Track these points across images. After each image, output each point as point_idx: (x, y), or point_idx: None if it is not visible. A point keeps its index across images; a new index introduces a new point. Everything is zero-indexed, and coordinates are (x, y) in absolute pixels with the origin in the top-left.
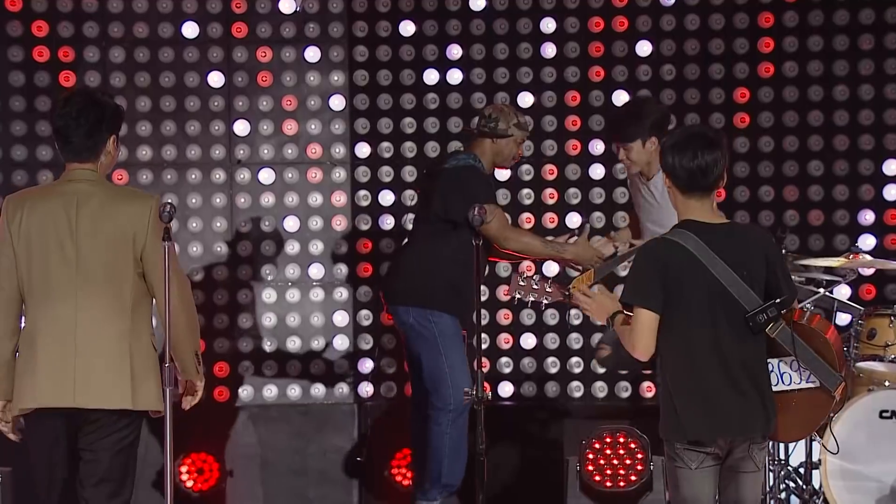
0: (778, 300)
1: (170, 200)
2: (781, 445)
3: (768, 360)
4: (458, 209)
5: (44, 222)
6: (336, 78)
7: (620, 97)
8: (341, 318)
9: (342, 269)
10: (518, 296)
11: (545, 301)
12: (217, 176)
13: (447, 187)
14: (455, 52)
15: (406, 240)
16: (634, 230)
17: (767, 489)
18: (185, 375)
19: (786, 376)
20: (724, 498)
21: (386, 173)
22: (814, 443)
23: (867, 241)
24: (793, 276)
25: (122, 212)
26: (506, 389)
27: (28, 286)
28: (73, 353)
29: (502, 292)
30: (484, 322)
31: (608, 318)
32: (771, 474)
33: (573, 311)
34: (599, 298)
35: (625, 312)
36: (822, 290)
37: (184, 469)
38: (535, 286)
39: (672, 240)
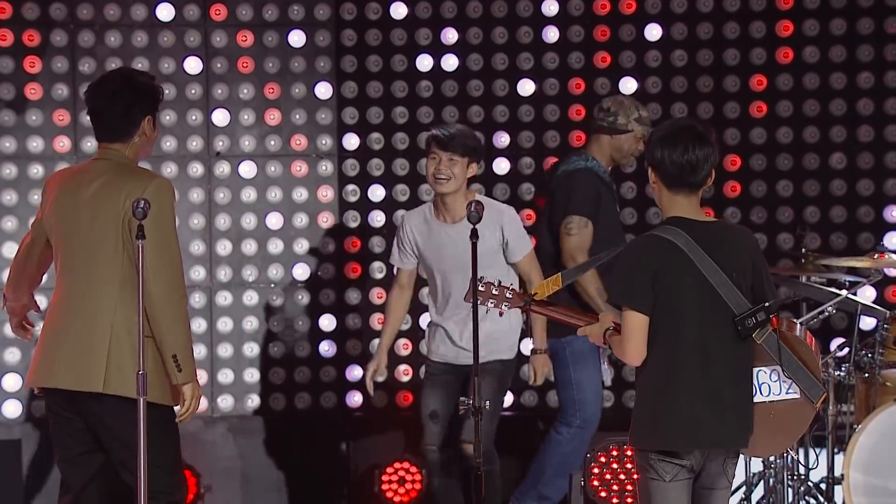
0: (766, 304)
1: (144, 196)
2: (802, 459)
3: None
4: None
5: (63, 200)
6: (322, 64)
7: (628, 84)
8: (328, 323)
9: (329, 270)
10: (479, 300)
11: (504, 307)
12: (194, 169)
13: (557, 197)
14: (450, 36)
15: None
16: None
17: None
18: (171, 380)
19: (764, 387)
20: None
21: (376, 166)
22: (836, 456)
23: (894, 240)
24: (813, 278)
25: (120, 190)
26: (506, 399)
27: (54, 260)
28: (61, 332)
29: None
30: None
31: (604, 337)
32: (790, 490)
33: (540, 321)
34: (593, 325)
35: (615, 324)
36: (844, 293)
37: None
38: (494, 291)
39: (661, 236)
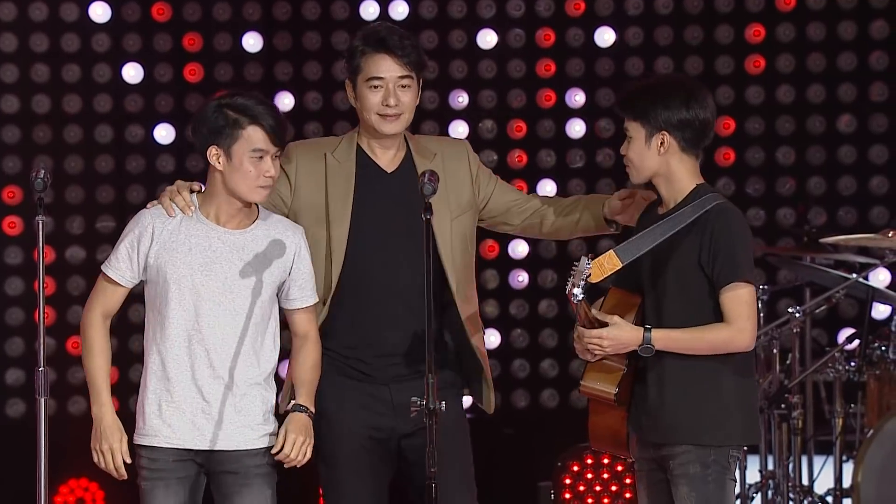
0: None
1: (42, 165)
2: (804, 469)
3: None
4: None
5: None
6: (251, 11)
7: (605, 36)
8: None
9: None
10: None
11: (575, 290)
12: (102, 133)
13: None
14: None
15: None
16: None
17: None
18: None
19: None
20: None
21: (313, 131)
22: (845, 465)
23: None
24: (818, 259)
25: None
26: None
27: None
28: None
29: None
30: None
31: (643, 345)
32: (792, 503)
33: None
34: (615, 329)
35: (646, 327)
36: (854, 276)
37: (60, 499)
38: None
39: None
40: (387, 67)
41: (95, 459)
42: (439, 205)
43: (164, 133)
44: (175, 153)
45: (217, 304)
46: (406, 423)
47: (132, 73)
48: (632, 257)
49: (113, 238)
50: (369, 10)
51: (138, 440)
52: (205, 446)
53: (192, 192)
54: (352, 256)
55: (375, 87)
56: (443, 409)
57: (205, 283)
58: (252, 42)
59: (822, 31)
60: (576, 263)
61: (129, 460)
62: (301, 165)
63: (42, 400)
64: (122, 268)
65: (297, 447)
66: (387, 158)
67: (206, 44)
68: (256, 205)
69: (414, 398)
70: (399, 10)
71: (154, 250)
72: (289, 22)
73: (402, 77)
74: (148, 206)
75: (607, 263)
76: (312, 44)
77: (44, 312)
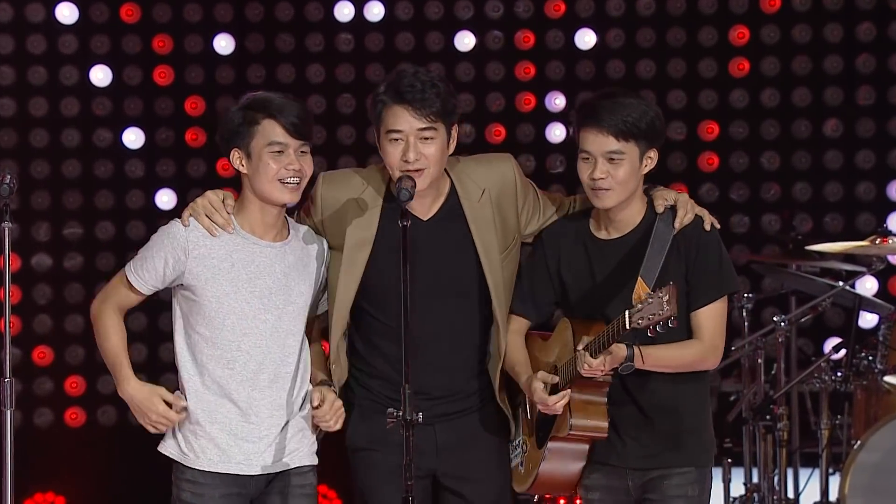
0: None
1: (7, 170)
2: (790, 481)
3: None
4: None
5: None
6: (222, 13)
7: (585, 38)
8: None
9: None
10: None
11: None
12: (69, 137)
13: None
14: None
15: None
16: None
17: None
18: None
19: None
20: None
21: None
22: (831, 477)
23: None
24: (804, 267)
25: None
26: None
27: None
28: None
29: None
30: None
31: (628, 358)
32: None
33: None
34: (612, 348)
35: (628, 344)
36: (840, 284)
37: None
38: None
39: None
40: (405, 120)
41: (152, 431)
42: (491, 243)
43: (133, 137)
44: (144, 157)
45: (262, 322)
46: (446, 463)
47: (100, 75)
48: (653, 281)
49: (80, 245)
50: (344, 12)
51: (181, 460)
52: (254, 471)
53: (225, 203)
54: (364, 307)
55: (395, 139)
56: (419, 420)
57: (249, 301)
58: (224, 44)
59: (808, 34)
60: (650, 300)
61: (180, 402)
62: (325, 209)
63: (8, 412)
64: (146, 277)
65: (335, 411)
66: (423, 205)
67: (176, 46)
68: (286, 216)
69: (390, 409)
70: (374, 12)
71: (190, 267)
72: (261, 23)
73: (422, 129)
74: (183, 222)
75: (643, 293)
76: (286, 46)
77: (9, 322)
